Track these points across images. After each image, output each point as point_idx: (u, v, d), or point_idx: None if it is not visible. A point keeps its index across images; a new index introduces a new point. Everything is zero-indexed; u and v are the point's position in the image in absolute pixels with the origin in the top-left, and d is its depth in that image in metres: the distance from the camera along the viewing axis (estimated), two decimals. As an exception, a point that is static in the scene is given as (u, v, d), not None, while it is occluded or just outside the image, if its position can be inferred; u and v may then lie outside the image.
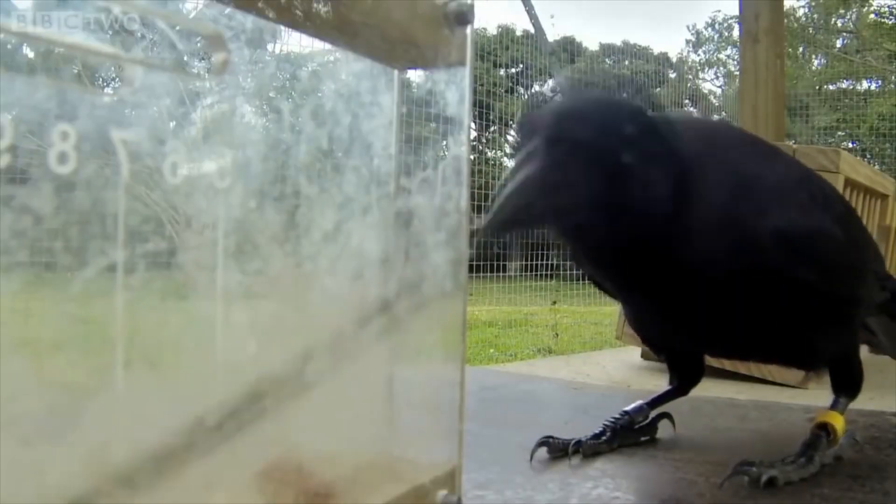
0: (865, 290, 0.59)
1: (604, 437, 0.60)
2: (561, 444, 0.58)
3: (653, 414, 0.64)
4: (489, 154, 8.06)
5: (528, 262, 5.25)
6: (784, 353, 0.58)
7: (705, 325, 0.54)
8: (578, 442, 0.58)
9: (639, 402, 0.63)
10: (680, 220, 0.47)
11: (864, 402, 0.85)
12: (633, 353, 2.18)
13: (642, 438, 0.63)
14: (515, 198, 0.42)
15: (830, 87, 9.54)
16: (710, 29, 12.15)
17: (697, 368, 0.64)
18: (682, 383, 0.65)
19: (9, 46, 0.23)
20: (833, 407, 0.57)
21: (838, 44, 10.08)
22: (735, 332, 0.54)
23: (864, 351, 1.34)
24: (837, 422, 0.55)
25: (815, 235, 0.51)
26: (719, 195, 0.49)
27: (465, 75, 0.36)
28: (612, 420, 0.61)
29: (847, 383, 0.58)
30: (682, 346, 0.63)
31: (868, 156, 8.46)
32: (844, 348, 0.58)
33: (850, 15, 9.79)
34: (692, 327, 0.55)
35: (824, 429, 0.55)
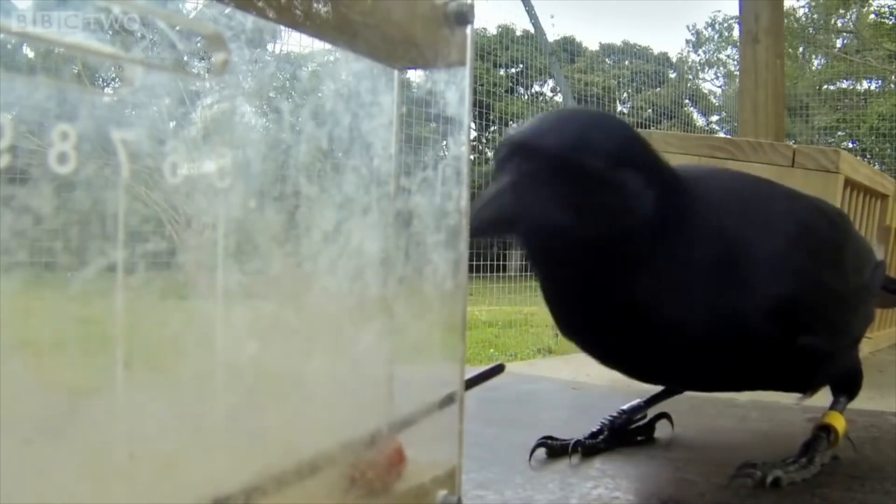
0: (866, 320, 0.58)
1: (601, 437, 0.60)
2: (559, 444, 0.58)
3: (651, 413, 0.64)
4: (489, 154, 8.06)
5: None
6: (780, 386, 0.57)
7: (683, 372, 0.52)
8: (578, 442, 0.58)
9: (636, 401, 0.63)
10: (655, 271, 0.44)
11: (864, 402, 0.85)
12: (633, 353, 2.17)
13: (640, 438, 0.63)
14: (485, 209, 0.40)
15: (830, 87, 9.53)
16: (710, 29, 12.15)
17: None
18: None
19: (9, 46, 0.23)
20: (833, 407, 0.57)
21: (838, 44, 10.08)
22: (720, 378, 0.53)
23: (864, 351, 1.34)
24: (839, 423, 0.55)
25: (810, 308, 0.49)
26: (705, 254, 0.45)
27: (465, 75, 0.35)
28: (610, 419, 0.61)
29: (847, 384, 0.58)
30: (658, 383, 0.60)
31: (868, 156, 8.45)
32: (844, 362, 0.57)
33: (850, 15, 9.79)
34: (668, 372, 0.53)
35: (825, 430, 0.55)
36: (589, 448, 0.58)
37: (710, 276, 0.46)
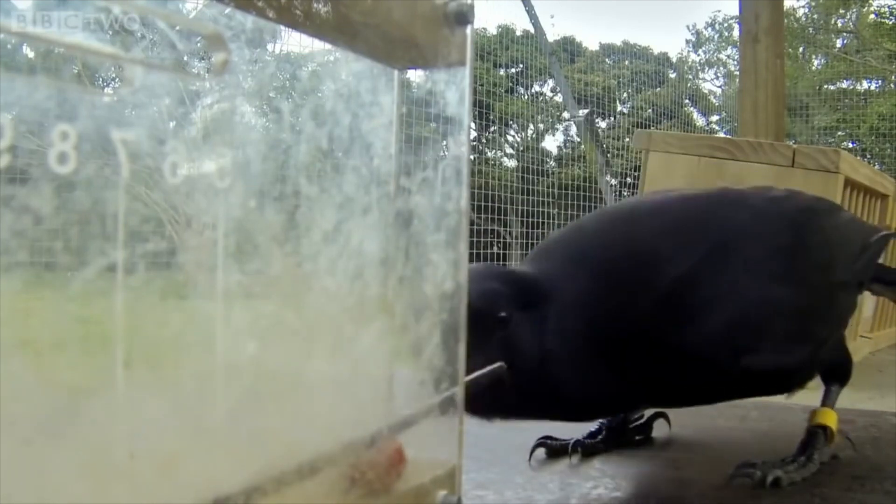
0: (840, 317, 0.56)
1: (600, 436, 0.60)
2: (559, 444, 0.58)
3: (648, 413, 0.64)
4: (489, 154, 8.06)
5: (528, 262, 5.24)
6: (757, 393, 0.57)
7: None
8: (577, 442, 0.58)
9: None
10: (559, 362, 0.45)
11: (864, 401, 0.85)
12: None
13: (638, 437, 0.63)
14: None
15: (830, 87, 9.53)
16: (710, 29, 12.14)
17: None
18: None
19: (9, 46, 0.23)
20: (825, 401, 0.57)
21: (838, 44, 10.07)
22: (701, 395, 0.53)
23: (864, 351, 1.34)
24: (830, 419, 0.55)
25: (745, 330, 0.47)
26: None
27: (465, 75, 0.36)
28: (607, 420, 0.61)
29: (837, 371, 0.58)
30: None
31: (868, 156, 8.45)
32: (827, 355, 0.56)
33: (850, 15, 9.79)
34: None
35: (820, 428, 0.55)
36: (588, 448, 0.59)
37: (657, 319, 0.46)
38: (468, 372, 0.39)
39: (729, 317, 0.46)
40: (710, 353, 0.46)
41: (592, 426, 0.61)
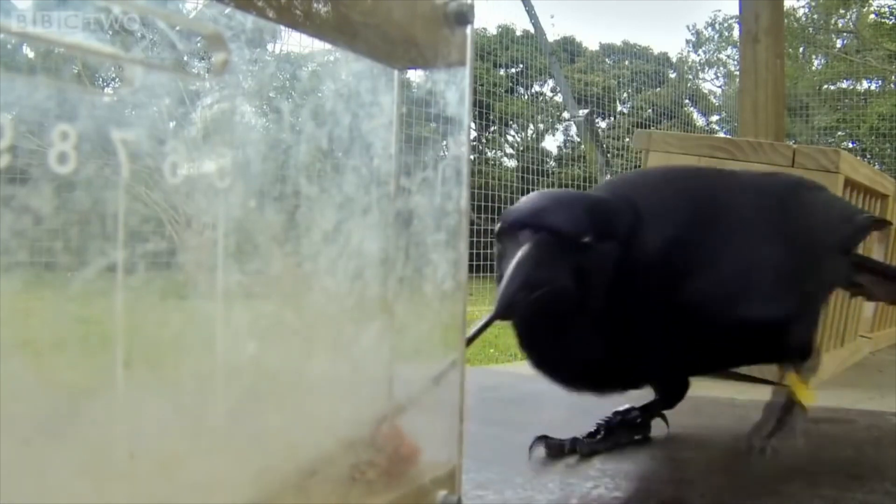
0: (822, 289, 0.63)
1: (599, 436, 0.61)
2: (558, 443, 0.58)
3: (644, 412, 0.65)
4: (489, 154, 8.06)
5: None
6: (754, 360, 0.64)
7: (656, 366, 0.57)
8: (574, 440, 0.58)
9: (627, 405, 0.64)
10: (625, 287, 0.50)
11: (864, 401, 0.85)
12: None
13: (637, 437, 0.63)
14: (514, 282, 0.45)
15: (830, 87, 9.52)
16: (710, 29, 12.14)
17: (682, 386, 0.66)
18: (667, 398, 0.66)
19: (9, 46, 0.23)
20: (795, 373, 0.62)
21: (838, 44, 10.07)
22: (694, 364, 0.59)
23: (864, 351, 1.33)
24: (804, 394, 0.60)
25: (749, 289, 0.53)
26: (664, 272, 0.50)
27: (465, 75, 0.36)
28: (606, 420, 0.62)
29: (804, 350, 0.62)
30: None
31: (868, 156, 8.45)
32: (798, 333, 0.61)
33: (850, 15, 9.78)
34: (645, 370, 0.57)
35: (790, 399, 0.60)
36: (587, 447, 0.59)
37: (665, 280, 0.51)
38: (545, 284, 0.46)
39: (727, 271, 0.52)
40: (711, 303, 0.52)
41: (591, 427, 0.61)
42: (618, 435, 0.62)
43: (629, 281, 0.50)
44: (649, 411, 0.65)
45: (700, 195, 0.57)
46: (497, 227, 0.49)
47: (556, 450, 0.58)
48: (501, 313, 0.45)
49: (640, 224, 0.51)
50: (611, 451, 0.60)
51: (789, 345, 0.60)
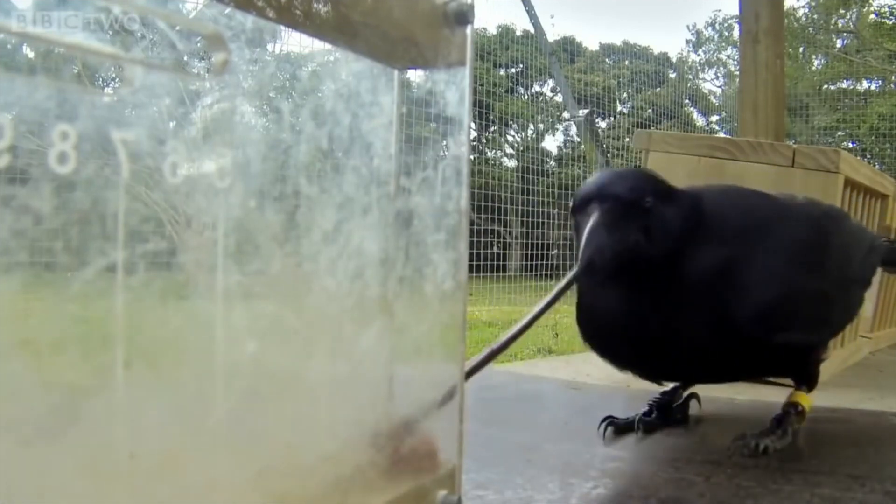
0: (849, 310, 0.67)
1: (653, 415, 0.66)
2: (624, 421, 0.64)
3: (685, 394, 0.69)
4: (489, 154, 8.07)
5: (528, 262, 5.25)
6: (778, 373, 0.67)
7: (694, 366, 0.60)
8: (640, 420, 0.64)
9: (673, 385, 0.69)
10: (684, 270, 0.55)
11: (864, 402, 0.85)
12: (633, 353, 2.17)
13: (678, 416, 0.68)
14: (592, 244, 0.51)
15: (830, 87, 9.52)
16: (710, 29, 12.14)
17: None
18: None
19: (9, 46, 0.23)
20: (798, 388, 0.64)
21: (838, 44, 10.06)
22: (723, 370, 0.62)
23: (864, 351, 1.33)
24: (805, 400, 0.62)
25: (787, 310, 0.56)
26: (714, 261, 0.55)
27: (465, 75, 0.36)
28: (656, 400, 0.67)
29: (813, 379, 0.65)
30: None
31: (868, 156, 8.45)
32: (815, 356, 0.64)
33: (850, 15, 9.78)
34: (682, 367, 0.61)
35: (793, 406, 0.62)
36: (648, 424, 0.64)
37: (713, 281, 0.55)
38: (618, 245, 0.52)
39: (772, 297, 0.56)
40: (754, 322, 0.55)
41: (643, 407, 0.66)
42: (666, 414, 0.67)
43: (687, 267, 0.55)
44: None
45: (757, 213, 0.61)
46: (571, 204, 0.56)
47: (623, 427, 0.64)
48: (584, 272, 0.51)
49: (701, 214, 0.56)
50: (666, 427, 0.65)
51: (806, 369, 0.63)
